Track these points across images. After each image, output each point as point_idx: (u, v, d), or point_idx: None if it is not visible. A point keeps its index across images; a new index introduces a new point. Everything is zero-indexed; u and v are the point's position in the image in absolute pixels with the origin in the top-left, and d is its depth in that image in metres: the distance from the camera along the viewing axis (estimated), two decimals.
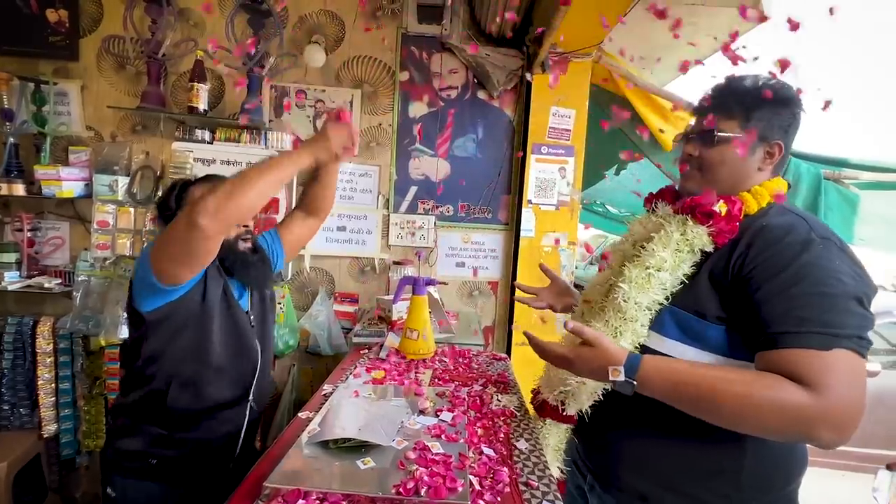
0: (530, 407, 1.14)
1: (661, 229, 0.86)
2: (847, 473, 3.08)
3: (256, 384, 1.19)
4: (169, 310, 1.04)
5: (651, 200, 0.98)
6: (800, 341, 0.65)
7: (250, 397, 1.18)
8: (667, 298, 0.81)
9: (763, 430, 0.67)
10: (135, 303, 1.04)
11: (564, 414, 0.91)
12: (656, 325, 0.81)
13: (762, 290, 0.70)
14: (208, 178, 1.21)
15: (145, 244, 1.04)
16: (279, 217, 1.98)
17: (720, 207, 0.79)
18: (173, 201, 1.15)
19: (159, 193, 2.03)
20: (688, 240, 0.80)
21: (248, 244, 1.20)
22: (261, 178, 0.95)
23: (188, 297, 1.06)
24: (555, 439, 1.00)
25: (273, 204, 2.00)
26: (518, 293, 1.29)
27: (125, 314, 1.16)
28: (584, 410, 0.88)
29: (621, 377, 0.70)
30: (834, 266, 0.69)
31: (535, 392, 1.04)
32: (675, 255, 0.81)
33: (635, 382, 0.70)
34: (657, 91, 2.19)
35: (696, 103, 0.89)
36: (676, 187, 0.97)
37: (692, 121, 0.90)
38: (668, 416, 0.74)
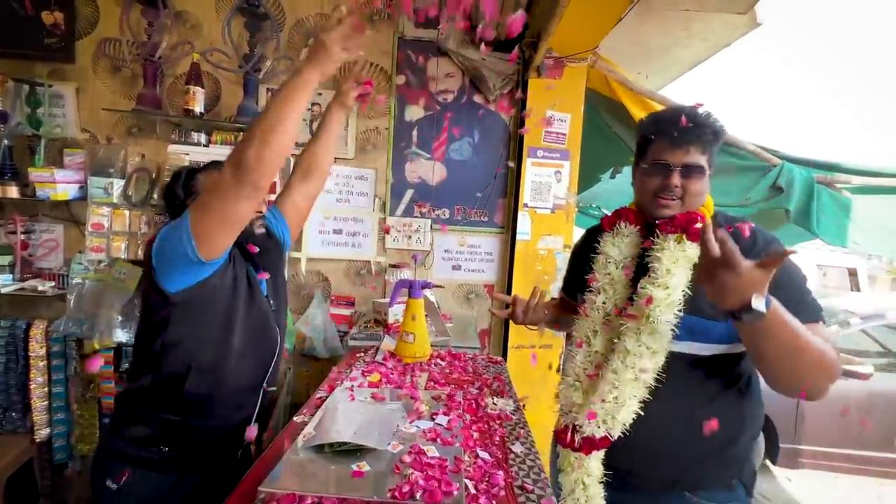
0: (527, 412, 1.16)
1: (637, 252, 1.00)
2: (840, 476, 3.10)
3: (273, 369, 1.18)
4: (197, 291, 1.00)
5: (614, 220, 1.06)
6: (809, 317, 0.82)
7: (264, 383, 1.17)
8: (680, 310, 0.90)
9: (814, 379, 0.82)
10: (160, 283, 0.99)
11: (608, 439, 0.95)
12: (673, 334, 0.90)
13: (770, 287, 0.79)
14: (215, 164, 1.16)
15: (156, 232, 0.99)
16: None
17: (697, 226, 0.89)
18: (181, 189, 1.12)
19: (155, 196, 2.03)
20: (688, 256, 0.90)
21: (263, 228, 1.17)
22: (283, 115, 0.90)
23: (216, 279, 1.02)
24: (597, 467, 0.97)
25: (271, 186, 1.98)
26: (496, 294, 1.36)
27: (139, 300, 1.15)
28: (626, 427, 0.93)
29: (762, 305, 0.74)
30: (793, 261, 0.88)
31: (569, 431, 0.99)
32: (684, 272, 0.90)
33: (764, 312, 0.74)
34: (652, 96, 2.21)
35: (672, 135, 0.93)
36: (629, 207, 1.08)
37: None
38: (680, 408, 0.91)
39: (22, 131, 2.02)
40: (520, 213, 2.20)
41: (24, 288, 2.00)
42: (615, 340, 0.96)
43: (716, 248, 0.73)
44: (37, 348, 2.04)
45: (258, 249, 1.16)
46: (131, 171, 2.05)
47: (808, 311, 0.85)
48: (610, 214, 1.08)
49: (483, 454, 0.91)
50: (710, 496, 0.93)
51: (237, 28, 2.07)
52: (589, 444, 0.96)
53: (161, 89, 2.11)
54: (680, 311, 0.90)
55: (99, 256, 2.01)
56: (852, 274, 6.15)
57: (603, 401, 0.93)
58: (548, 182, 2.20)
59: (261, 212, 1.18)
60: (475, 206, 2.32)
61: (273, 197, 1.42)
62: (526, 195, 2.20)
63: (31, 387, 2.04)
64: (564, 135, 2.19)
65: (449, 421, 1.00)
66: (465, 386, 1.28)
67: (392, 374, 1.34)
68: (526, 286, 1.34)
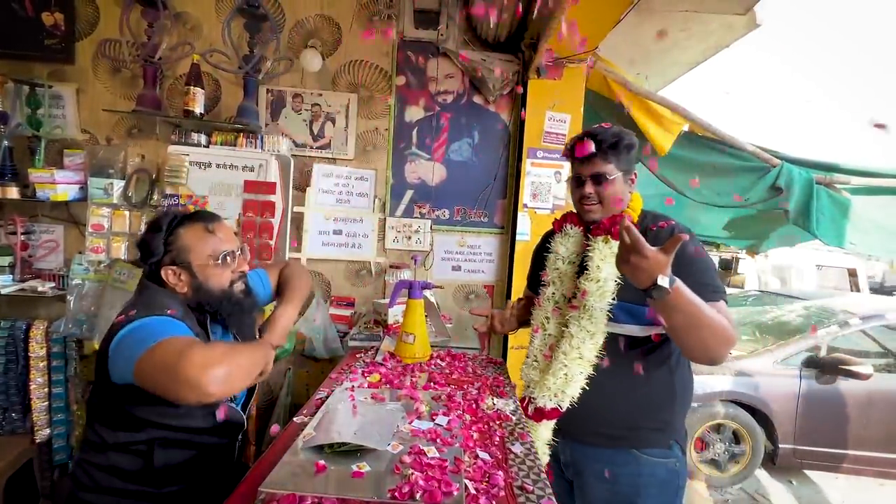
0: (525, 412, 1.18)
1: (581, 249, 1.17)
2: (840, 476, 3.11)
3: (243, 423, 1.12)
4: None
5: (561, 224, 1.27)
6: (710, 297, 0.98)
7: (238, 439, 1.13)
8: (614, 297, 1.08)
9: (714, 347, 0.96)
10: (109, 372, 0.92)
11: (558, 410, 1.14)
12: (612, 317, 1.10)
13: (678, 272, 0.95)
14: (197, 216, 1.07)
15: (124, 317, 0.95)
16: (272, 242, 1.98)
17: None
18: (160, 246, 1.02)
19: (155, 197, 2.03)
20: (614, 252, 1.05)
21: (242, 286, 1.10)
22: (250, 373, 0.91)
23: None
24: (547, 433, 1.17)
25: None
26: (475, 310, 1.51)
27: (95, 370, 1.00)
28: (574, 399, 1.13)
29: (667, 283, 0.89)
30: (703, 251, 1.06)
31: (526, 402, 1.21)
32: (612, 266, 1.07)
33: (670, 290, 0.89)
34: (651, 97, 2.22)
35: (582, 152, 1.13)
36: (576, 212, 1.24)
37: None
38: (627, 380, 1.10)
39: (22, 132, 2.02)
40: (519, 214, 2.20)
41: (24, 289, 2.00)
42: (564, 327, 1.15)
43: (625, 237, 0.90)
44: (37, 349, 2.04)
45: (233, 316, 1.08)
46: (131, 172, 2.05)
47: (710, 291, 1.00)
48: (559, 219, 1.29)
49: (483, 454, 0.91)
50: (650, 452, 1.12)
51: (237, 29, 2.08)
52: (539, 414, 1.16)
53: (161, 90, 2.11)
54: (614, 298, 1.08)
55: (99, 257, 2.01)
56: (852, 274, 6.15)
57: (554, 377, 1.13)
58: (547, 182, 2.20)
59: (243, 271, 1.11)
60: (475, 207, 2.32)
61: (272, 242, 1.40)
62: (525, 196, 2.20)
63: (31, 387, 2.04)
64: (564, 135, 2.19)
65: (449, 421, 1.00)
66: (465, 386, 1.28)
67: (392, 374, 1.34)
68: (521, 287, 1.38)
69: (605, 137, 1.11)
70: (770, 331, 3.35)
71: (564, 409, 1.14)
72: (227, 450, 1.11)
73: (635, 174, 1.17)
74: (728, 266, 6.21)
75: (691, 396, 1.21)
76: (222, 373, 0.79)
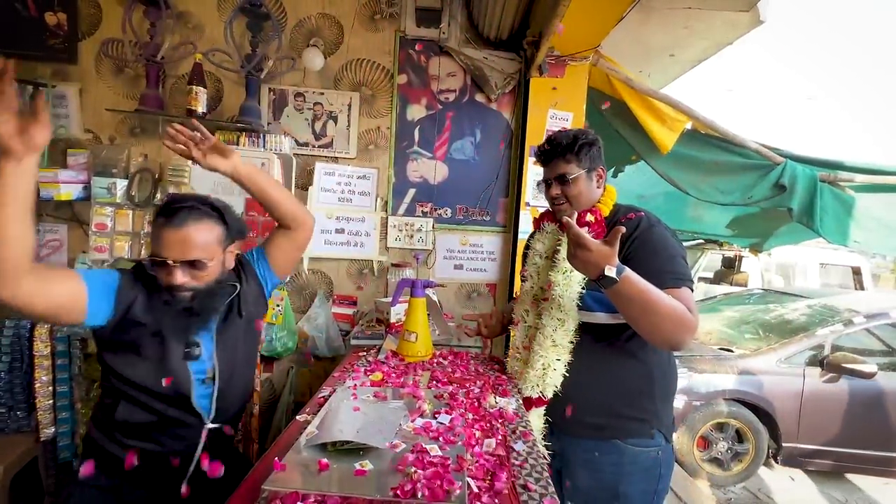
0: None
1: (556, 243, 1.23)
2: (845, 475, 3.10)
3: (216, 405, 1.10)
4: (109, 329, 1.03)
5: (539, 222, 1.34)
6: (665, 283, 1.01)
7: (202, 440, 1.08)
8: (583, 287, 1.15)
9: (668, 330, 0.99)
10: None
11: (543, 399, 1.20)
12: (583, 306, 1.15)
13: (636, 259, 1.06)
14: (166, 210, 1.06)
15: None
16: None
17: (590, 219, 1.16)
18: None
19: (158, 196, 2.04)
20: None
21: (188, 295, 1.05)
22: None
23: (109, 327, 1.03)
24: (538, 421, 1.22)
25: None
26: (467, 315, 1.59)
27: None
28: (557, 388, 1.18)
29: (614, 273, 0.96)
30: (669, 239, 1.11)
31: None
32: None
33: (617, 279, 0.96)
34: (654, 94, 2.21)
35: (542, 158, 1.23)
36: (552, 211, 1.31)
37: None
38: (605, 369, 1.16)
39: None
40: (522, 212, 2.20)
41: None
42: (539, 318, 1.21)
43: (569, 232, 0.98)
44: (41, 348, 2.05)
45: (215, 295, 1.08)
46: (134, 172, 2.06)
47: (672, 278, 1.04)
48: (538, 217, 1.36)
49: (487, 442, 0.91)
50: (634, 442, 1.16)
51: (239, 28, 2.08)
52: (527, 403, 1.22)
53: (163, 90, 2.11)
54: (583, 288, 1.14)
55: (102, 256, 2.02)
56: (856, 272, 6.12)
57: (533, 367, 1.19)
58: None
59: (240, 253, 1.20)
60: (477, 206, 2.32)
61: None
62: (528, 194, 2.19)
63: (36, 386, 2.05)
64: None
65: (451, 420, 1.00)
66: (468, 385, 1.28)
67: (394, 373, 1.34)
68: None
69: (562, 140, 1.18)
70: (773, 329, 3.34)
71: (549, 397, 1.19)
72: (186, 446, 1.08)
73: (601, 170, 1.23)
74: (731, 264, 6.18)
75: (674, 383, 1.25)
76: None
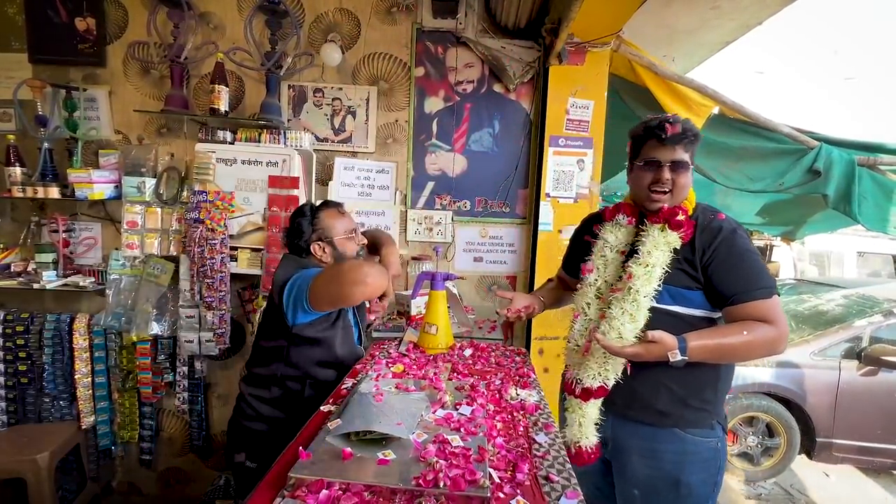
0: (550, 401, 1.19)
1: (633, 237, 1.22)
2: (881, 472, 2.97)
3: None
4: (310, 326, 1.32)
5: (612, 214, 1.28)
6: (755, 296, 1.07)
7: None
8: (660, 283, 1.13)
9: (757, 356, 1.10)
10: (286, 317, 1.30)
11: (605, 388, 1.18)
12: (658, 300, 1.14)
13: (722, 268, 1.10)
14: (329, 204, 1.45)
15: (285, 271, 1.37)
16: (300, 195, 2.05)
17: (681, 218, 1.13)
18: (308, 227, 1.40)
19: (185, 193, 2.09)
20: (668, 241, 1.14)
21: (363, 253, 1.50)
22: (380, 273, 1.28)
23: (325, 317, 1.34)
24: (594, 412, 1.21)
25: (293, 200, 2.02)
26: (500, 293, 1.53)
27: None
28: (618, 376, 1.18)
29: (679, 357, 1.03)
30: (750, 246, 1.12)
31: (572, 384, 1.23)
32: (663, 253, 1.13)
33: (686, 358, 1.03)
34: (679, 79, 2.14)
35: (674, 130, 1.14)
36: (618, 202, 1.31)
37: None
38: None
39: (60, 134, 2.12)
40: (542, 204, 2.17)
41: (66, 284, 2.11)
42: (605, 310, 1.18)
43: (613, 352, 1.08)
44: (80, 341, 2.16)
45: None
46: (162, 170, 2.12)
47: (758, 291, 1.07)
48: (611, 207, 1.31)
49: (506, 443, 0.91)
50: (694, 432, 1.17)
51: (258, 26, 2.11)
52: (586, 394, 1.20)
53: (188, 89, 2.17)
54: (660, 285, 1.12)
55: (134, 253, 2.09)
56: None
57: (594, 357, 1.17)
58: (570, 171, 2.16)
59: (364, 243, 1.51)
60: (496, 197, 2.30)
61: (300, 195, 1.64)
62: (548, 185, 2.16)
63: (76, 377, 2.16)
64: (587, 122, 2.14)
65: (472, 411, 1.00)
66: (488, 377, 1.28)
67: (415, 365, 1.35)
68: (546, 276, 1.38)
69: (690, 126, 1.14)
70: (807, 321, 3.22)
71: (611, 387, 1.18)
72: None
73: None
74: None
75: (732, 379, 1.26)
76: (374, 271, 1.23)
